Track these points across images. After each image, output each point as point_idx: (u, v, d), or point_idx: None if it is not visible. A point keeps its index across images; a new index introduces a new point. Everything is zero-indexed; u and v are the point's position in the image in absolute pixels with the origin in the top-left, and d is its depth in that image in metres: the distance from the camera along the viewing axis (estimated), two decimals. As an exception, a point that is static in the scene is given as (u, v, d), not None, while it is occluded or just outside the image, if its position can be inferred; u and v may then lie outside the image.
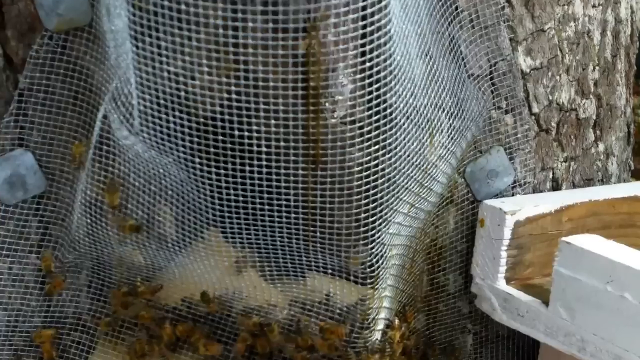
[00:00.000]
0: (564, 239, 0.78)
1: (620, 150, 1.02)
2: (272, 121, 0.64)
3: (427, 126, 0.73)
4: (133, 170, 0.75)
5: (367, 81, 0.67)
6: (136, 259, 0.80)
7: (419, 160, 0.72)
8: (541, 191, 0.91)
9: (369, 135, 0.68)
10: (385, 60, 0.66)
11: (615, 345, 0.74)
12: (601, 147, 0.97)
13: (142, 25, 0.63)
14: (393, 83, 0.66)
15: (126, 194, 0.76)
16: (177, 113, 0.66)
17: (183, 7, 0.61)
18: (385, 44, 0.65)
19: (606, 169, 0.99)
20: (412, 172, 0.72)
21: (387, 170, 0.68)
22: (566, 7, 0.87)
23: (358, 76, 0.66)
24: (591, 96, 0.93)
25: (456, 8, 0.80)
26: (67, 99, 0.79)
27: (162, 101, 0.66)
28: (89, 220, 0.79)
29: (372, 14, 0.64)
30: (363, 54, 0.66)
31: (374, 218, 0.69)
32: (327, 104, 0.67)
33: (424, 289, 0.89)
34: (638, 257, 0.74)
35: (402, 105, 0.67)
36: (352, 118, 0.68)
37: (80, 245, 0.80)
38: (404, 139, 0.69)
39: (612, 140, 0.99)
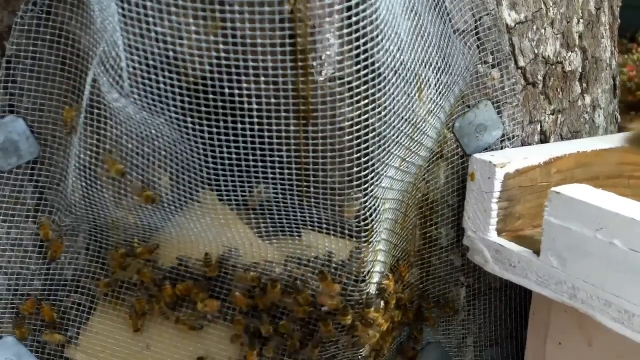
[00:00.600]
0: (553, 189, 0.79)
1: (606, 103, 1.03)
2: (262, 78, 0.65)
3: (415, 80, 0.74)
4: (125, 133, 0.75)
5: (353, 36, 0.67)
6: (132, 221, 0.81)
7: (408, 114, 0.73)
8: (530, 144, 0.92)
9: (357, 91, 0.68)
10: (371, 15, 0.67)
11: (605, 291, 0.75)
12: (587, 99, 0.98)
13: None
14: (379, 38, 0.67)
15: (120, 156, 0.77)
16: (166, 73, 0.67)
17: (170, -34, 0.61)
18: (371, -1, 0.66)
19: (593, 121, 1.00)
20: (402, 125, 0.73)
21: (377, 125, 0.69)
22: (550, -40, 0.88)
23: (345, 31, 0.66)
24: (576, 49, 0.94)
25: (441, -37, 0.81)
26: (55, 65, 0.79)
27: (151, 62, 0.67)
28: (83, 184, 0.80)
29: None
30: (349, 9, 0.67)
31: (366, 172, 0.70)
32: (314, 63, 0.68)
33: (417, 243, 0.90)
34: (626, 205, 0.75)
35: (389, 60, 0.68)
36: (340, 74, 0.69)
37: (77, 208, 0.81)
38: (393, 93, 0.70)
39: (598, 93, 1.00)
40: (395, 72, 0.72)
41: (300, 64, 0.66)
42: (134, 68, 0.69)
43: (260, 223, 0.76)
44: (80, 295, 0.84)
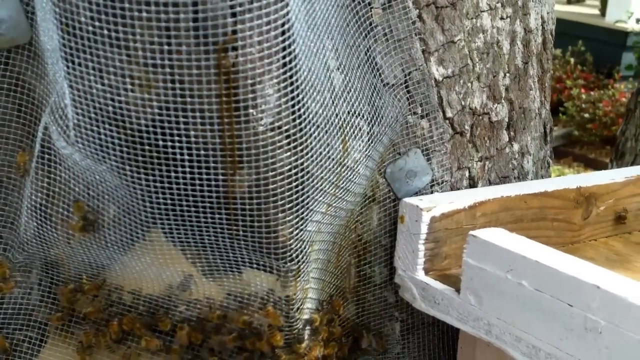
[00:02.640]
0: (471, 232, 0.85)
1: (536, 149, 1.09)
2: (192, 132, 0.71)
3: (339, 132, 0.80)
4: (73, 177, 0.81)
5: (289, 89, 0.74)
6: (80, 258, 0.87)
7: (331, 165, 0.79)
8: (458, 189, 0.99)
9: (281, 144, 0.75)
10: (302, 70, 0.74)
11: (516, 327, 0.81)
12: (516, 147, 1.04)
13: (71, 48, 0.70)
14: (301, 96, 0.74)
15: (68, 199, 0.83)
16: (107, 126, 0.73)
17: (106, 32, 0.67)
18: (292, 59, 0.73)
19: (522, 167, 1.06)
20: (324, 174, 0.79)
21: (300, 175, 0.76)
22: (475, 20, 0.95)
23: (282, 84, 0.73)
24: (503, 101, 1.00)
25: (370, 23, 0.88)
26: (12, 112, 0.85)
27: (93, 115, 0.73)
28: (35, 223, 0.85)
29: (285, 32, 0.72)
30: (284, 65, 0.73)
31: (291, 217, 0.76)
32: (254, 112, 0.74)
33: (352, 280, 0.96)
34: (533, 248, 0.81)
35: (310, 115, 0.74)
36: (272, 125, 0.75)
37: (29, 246, 0.87)
38: (315, 145, 0.77)
39: (527, 140, 1.06)
40: (317, 125, 0.78)
41: (243, 115, 0.72)
42: (79, 120, 0.75)
43: (196, 262, 0.82)
44: (32, 329, 0.89)
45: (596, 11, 6.67)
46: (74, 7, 0.68)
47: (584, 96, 5.41)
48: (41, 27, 0.76)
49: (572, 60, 5.81)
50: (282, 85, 0.74)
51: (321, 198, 0.80)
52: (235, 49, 0.72)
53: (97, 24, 0.67)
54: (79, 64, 0.71)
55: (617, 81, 5.70)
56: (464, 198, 0.95)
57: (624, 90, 5.39)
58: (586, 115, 5.31)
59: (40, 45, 0.80)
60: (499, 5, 0.97)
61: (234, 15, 0.70)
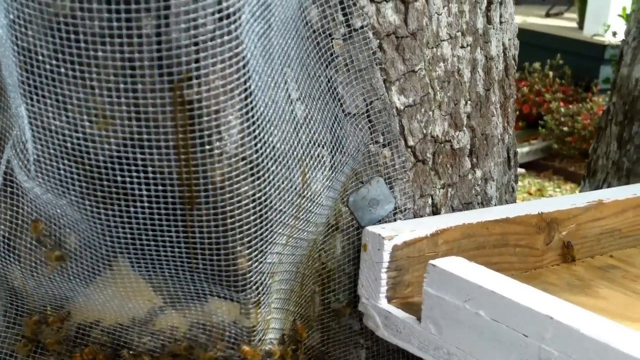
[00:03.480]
0: (430, 261, 0.86)
1: (499, 175, 1.11)
2: (149, 167, 0.72)
3: (297, 166, 0.81)
4: (35, 210, 0.82)
5: (252, 119, 0.75)
6: (44, 290, 0.87)
7: (290, 197, 0.80)
8: (421, 216, 1.00)
9: (244, 175, 0.75)
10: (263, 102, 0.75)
11: (474, 357, 0.82)
12: (479, 173, 1.06)
13: (30, 85, 0.71)
14: (259, 130, 0.75)
15: (30, 232, 0.83)
16: (66, 162, 0.74)
17: (62, 70, 0.68)
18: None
19: (485, 192, 1.08)
20: (283, 207, 0.80)
21: (259, 207, 0.76)
22: (435, 49, 0.96)
23: (246, 115, 0.74)
24: (465, 128, 1.02)
25: (331, 54, 0.89)
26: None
27: (52, 151, 0.74)
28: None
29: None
30: (246, 97, 0.74)
31: (249, 250, 0.77)
32: (218, 143, 0.75)
33: (317, 308, 0.97)
34: (490, 278, 0.83)
35: (267, 149, 0.75)
36: (236, 157, 0.76)
37: (-8, 278, 0.87)
38: (274, 177, 0.77)
39: (490, 166, 1.08)
40: (274, 159, 0.79)
41: (206, 145, 0.73)
42: (38, 155, 0.76)
43: (158, 294, 0.82)
44: (-5, 359, 0.89)
45: (574, 24, 6.73)
46: (32, 45, 0.69)
47: (562, 110, 5.45)
48: (2, 62, 0.76)
49: (550, 73, 5.86)
50: (244, 117, 0.75)
51: (281, 230, 0.81)
52: (198, 79, 0.72)
53: (54, 62, 0.68)
54: (38, 101, 0.71)
55: (596, 94, 5.75)
56: (426, 226, 0.96)
57: (602, 104, 5.44)
58: (565, 128, 5.35)
59: (3, 79, 0.81)
60: (459, 34, 0.98)
61: (197, 51, 0.71)
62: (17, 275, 0.87)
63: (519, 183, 5.10)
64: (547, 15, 7.25)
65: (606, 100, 5.33)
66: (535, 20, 6.86)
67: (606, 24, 6.04)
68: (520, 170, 5.24)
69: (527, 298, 0.78)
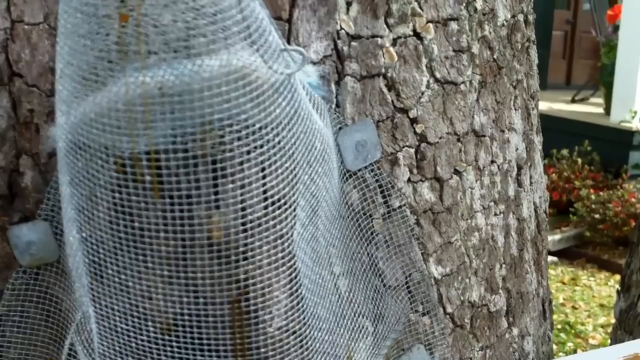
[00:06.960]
0: None
1: (535, 328, 1.15)
2: (205, 336, 0.77)
3: (341, 337, 0.86)
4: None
5: (296, 293, 0.80)
6: None
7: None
8: (460, 381, 1.04)
9: (288, 345, 0.80)
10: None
11: None
12: (515, 331, 1.10)
13: (98, 292, 0.77)
14: (304, 303, 0.80)
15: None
16: (130, 359, 0.79)
17: (130, 283, 0.74)
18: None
19: (522, 349, 1.11)
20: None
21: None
22: (469, 220, 1.01)
23: (292, 289, 0.79)
24: (500, 291, 1.06)
25: (372, 232, 0.94)
26: (40, 321, 0.92)
27: (117, 348, 0.79)
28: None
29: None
30: (292, 272, 0.80)
31: None
32: (266, 316, 0.80)
33: None
34: None
35: (313, 321, 0.81)
36: (282, 328, 0.81)
37: None
38: (319, 347, 0.83)
39: (526, 322, 1.12)
40: (321, 329, 0.84)
41: (253, 317, 0.78)
42: (103, 351, 0.81)
43: None
44: None
45: (601, 110, 6.79)
46: (102, 260, 0.75)
47: (593, 196, 5.46)
48: (73, 268, 0.83)
49: (579, 160, 5.89)
50: (291, 291, 0.80)
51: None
52: (246, 259, 0.78)
53: (122, 277, 0.74)
54: (106, 305, 0.77)
55: (626, 181, 5.76)
56: (466, 390, 0.99)
57: (633, 190, 5.45)
58: (597, 215, 5.35)
59: (67, 263, 0.87)
60: (492, 204, 1.04)
61: (244, 230, 0.77)
62: None
63: (552, 272, 5.08)
64: (573, 100, 7.32)
65: (637, 187, 5.29)
66: (561, 106, 6.94)
67: (633, 110, 6.09)
68: (553, 259, 5.23)
69: None
